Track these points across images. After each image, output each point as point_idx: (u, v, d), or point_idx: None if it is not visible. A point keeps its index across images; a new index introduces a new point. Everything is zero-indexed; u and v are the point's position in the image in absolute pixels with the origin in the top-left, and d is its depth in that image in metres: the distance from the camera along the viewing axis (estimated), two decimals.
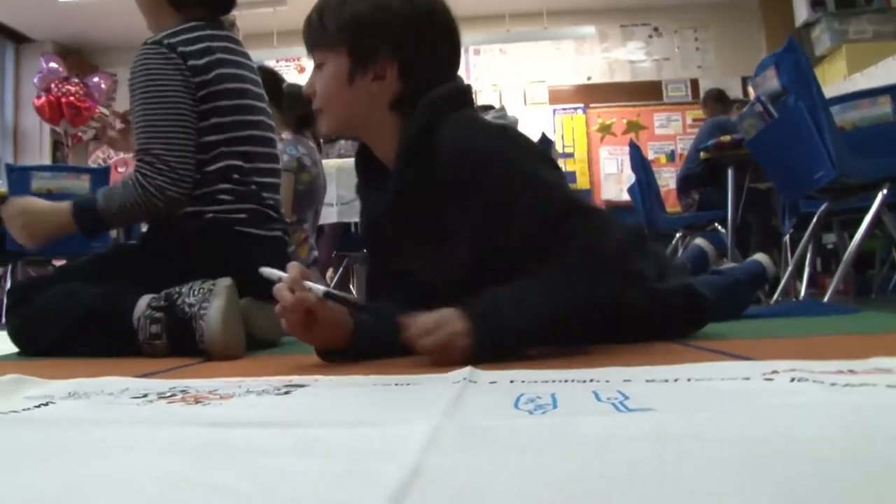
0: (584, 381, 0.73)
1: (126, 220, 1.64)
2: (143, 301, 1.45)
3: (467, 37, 1.46)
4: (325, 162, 3.88)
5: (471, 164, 1.12)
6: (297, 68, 7.67)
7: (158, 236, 1.65)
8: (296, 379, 0.85)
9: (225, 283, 1.40)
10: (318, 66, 1.21)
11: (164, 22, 1.69)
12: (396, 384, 0.79)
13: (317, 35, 1.20)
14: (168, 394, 0.76)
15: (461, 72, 1.28)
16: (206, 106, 1.61)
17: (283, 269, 1.07)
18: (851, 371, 0.72)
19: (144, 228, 1.77)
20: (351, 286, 4.65)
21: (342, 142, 4.65)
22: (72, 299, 1.50)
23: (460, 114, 1.17)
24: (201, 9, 1.69)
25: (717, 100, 5.21)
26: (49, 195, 3.37)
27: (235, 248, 1.59)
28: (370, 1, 1.17)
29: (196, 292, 1.40)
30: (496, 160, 1.13)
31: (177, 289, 1.43)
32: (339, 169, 3.66)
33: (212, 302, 1.37)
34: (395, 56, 1.16)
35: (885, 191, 2.59)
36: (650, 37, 7.56)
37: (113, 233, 3.69)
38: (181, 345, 1.39)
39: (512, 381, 0.75)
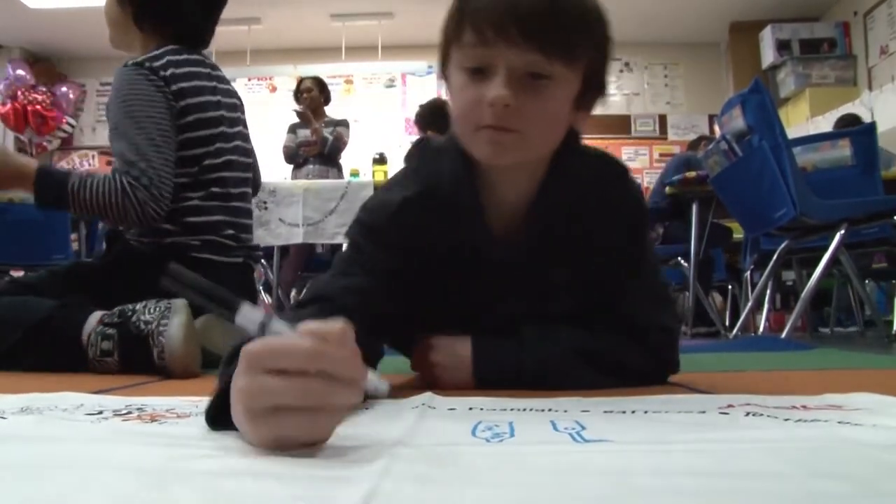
0: (543, 411, 0.74)
1: (88, 211, 1.56)
2: (95, 317, 1.43)
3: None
4: (293, 183, 3.89)
5: (627, 231, 1.07)
6: (268, 87, 7.67)
7: (117, 257, 1.62)
8: None
9: (181, 300, 1.39)
10: (533, 76, 0.88)
11: (128, 38, 1.69)
12: (354, 408, 0.78)
13: (561, 38, 0.87)
14: (124, 411, 0.74)
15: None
16: (183, 136, 1.60)
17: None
18: (804, 407, 0.73)
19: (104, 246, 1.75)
20: None
21: (310, 165, 4.65)
22: (23, 311, 1.46)
23: (621, 170, 1.09)
24: (170, 40, 1.68)
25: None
26: (10, 204, 3.32)
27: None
28: (605, 14, 0.94)
29: (152, 310, 1.38)
30: (642, 234, 1.11)
31: (130, 306, 1.41)
32: (305, 190, 3.65)
33: (171, 319, 1.35)
34: None
35: (842, 231, 2.65)
36: (621, 72, 7.70)
37: (74, 245, 3.63)
38: (133, 362, 1.37)
39: (470, 409, 0.75)
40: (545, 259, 1.05)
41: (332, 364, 0.50)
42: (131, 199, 1.51)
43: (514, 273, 1.05)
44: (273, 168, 4.90)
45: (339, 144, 4.67)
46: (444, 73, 0.98)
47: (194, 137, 1.62)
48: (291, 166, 4.82)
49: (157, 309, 1.38)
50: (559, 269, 1.05)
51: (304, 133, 4.73)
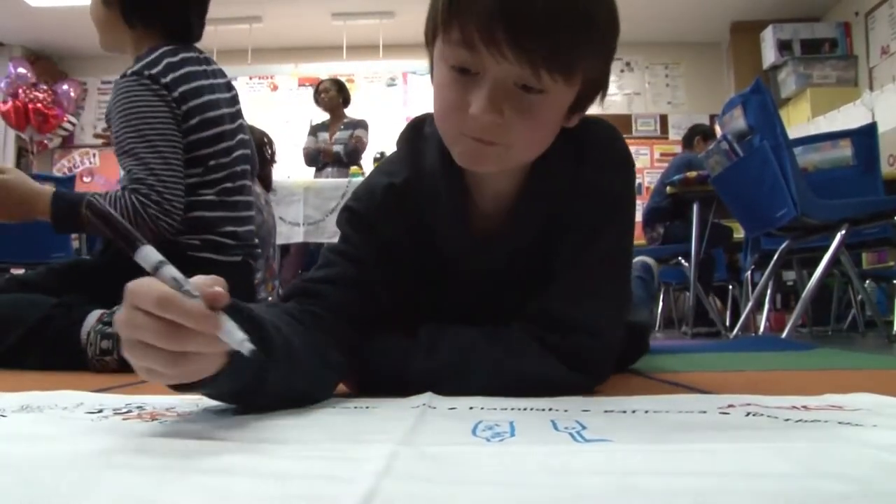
0: (543, 410, 0.74)
1: (102, 231, 1.52)
2: (93, 316, 1.43)
3: None
4: (293, 182, 3.89)
5: (605, 208, 0.96)
6: (270, 86, 7.66)
7: (116, 255, 1.61)
8: None
9: None
10: (524, 87, 0.79)
11: (118, 40, 1.69)
12: (356, 407, 0.78)
13: (557, 53, 0.77)
14: (124, 410, 0.75)
15: None
16: (189, 139, 1.60)
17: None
18: (805, 407, 0.73)
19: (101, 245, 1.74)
20: None
21: (329, 168, 4.70)
22: (23, 310, 1.46)
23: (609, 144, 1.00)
24: (160, 37, 1.67)
25: (706, 137, 4.99)
26: None
27: (192, 274, 1.54)
28: (615, 9, 0.84)
29: None
30: (615, 213, 0.97)
31: None
32: (306, 189, 3.65)
33: None
34: None
35: (843, 231, 2.65)
36: (622, 71, 7.69)
37: (75, 244, 3.63)
38: None
39: (471, 408, 0.75)
40: (528, 252, 0.98)
41: (180, 312, 0.54)
42: (143, 216, 1.50)
43: (498, 267, 1.00)
44: (274, 166, 4.92)
45: (358, 147, 4.73)
46: (429, 50, 0.89)
47: (200, 139, 1.62)
48: (313, 168, 4.86)
49: None
50: (541, 261, 0.97)
51: (325, 136, 4.78)
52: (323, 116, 4.97)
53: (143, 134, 1.52)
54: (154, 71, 1.57)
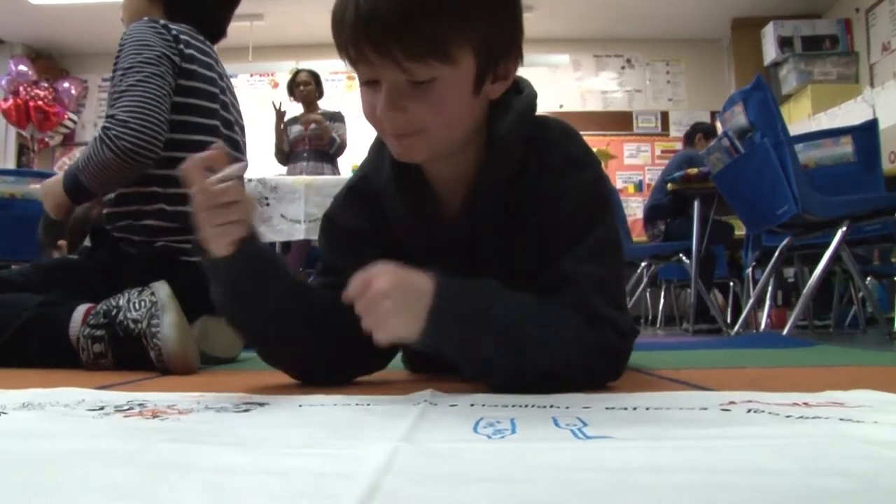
0: (544, 407, 0.74)
1: (95, 177, 1.51)
2: (80, 312, 1.41)
3: None
4: (294, 179, 3.88)
5: (572, 205, 0.96)
6: (270, 83, 7.66)
7: (105, 260, 1.60)
8: (255, 397, 0.84)
9: (164, 291, 1.36)
10: (413, 82, 0.84)
11: None
12: (357, 404, 0.78)
13: (420, 45, 0.81)
14: (125, 407, 0.75)
15: None
16: (182, 99, 1.60)
17: None
18: (806, 403, 0.73)
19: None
20: None
21: (304, 162, 4.67)
22: (10, 310, 1.44)
23: (557, 135, 1.00)
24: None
25: (707, 135, 4.89)
26: (12, 200, 3.31)
27: (182, 277, 1.52)
28: None
29: (137, 305, 1.36)
30: (589, 210, 0.97)
31: (112, 302, 1.39)
32: (307, 186, 3.64)
33: (162, 318, 1.33)
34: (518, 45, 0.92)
35: (844, 228, 2.65)
36: (623, 68, 7.69)
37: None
38: (129, 359, 1.36)
39: (472, 405, 0.75)
40: (491, 239, 0.99)
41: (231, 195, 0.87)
42: (106, 142, 1.46)
43: (462, 254, 0.99)
44: (275, 164, 4.90)
45: (342, 146, 4.70)
46: None
47: (194, 105, 1.62)
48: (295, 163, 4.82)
49: (143, 304, 1.36)
50: (505, 247, 0.99)
51: (298, 129, 4.74)
52: (296, 110, 4.91)
53: (131, 65, 1.52)
54: (170, 25, 1.60)
